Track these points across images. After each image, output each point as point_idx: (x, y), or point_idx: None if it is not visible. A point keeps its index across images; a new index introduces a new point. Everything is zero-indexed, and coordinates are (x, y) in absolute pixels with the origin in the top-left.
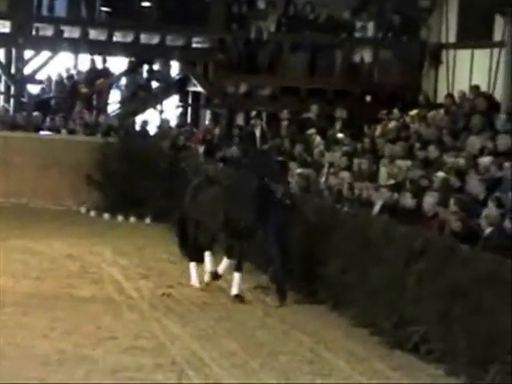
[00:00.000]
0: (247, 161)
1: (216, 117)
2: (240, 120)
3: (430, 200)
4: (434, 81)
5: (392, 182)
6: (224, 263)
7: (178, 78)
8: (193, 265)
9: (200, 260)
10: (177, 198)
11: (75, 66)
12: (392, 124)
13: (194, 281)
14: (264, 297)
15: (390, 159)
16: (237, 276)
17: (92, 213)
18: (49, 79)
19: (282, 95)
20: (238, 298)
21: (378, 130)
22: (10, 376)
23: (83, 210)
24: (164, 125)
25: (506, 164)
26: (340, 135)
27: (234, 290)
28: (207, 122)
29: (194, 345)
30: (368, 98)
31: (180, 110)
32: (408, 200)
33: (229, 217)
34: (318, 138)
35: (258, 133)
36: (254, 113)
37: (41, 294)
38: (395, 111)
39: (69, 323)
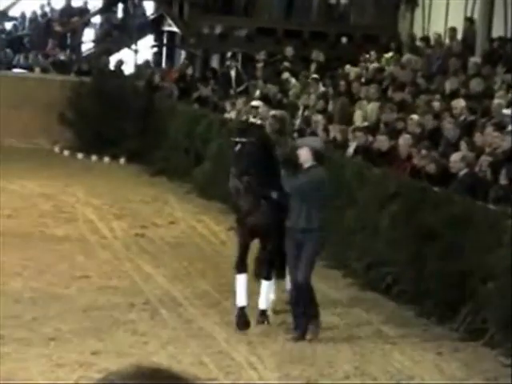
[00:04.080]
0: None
1: (191, 57)
2: (215, 61)
3: (404, 142)
4: (409, 23)
5: (366, 124)
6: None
7: (153, 17)
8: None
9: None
10: (151, 139)
11: (49, 4)
12: (368, 66)
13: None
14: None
15: (365, 102)
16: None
17: (65, 152)
18: (22, 16)
19: (258, 36)
20: (263, 316)
21: (354, 72)
22: None
23: (57, 149)
24: (142, 65)
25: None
26: (315, 76)
27: (262, 304)
28: (182, 63)
29: (166, 285)
30: (344, 40)
31: (155, 49)
32: (382, 142)
33: None
34: (293, 81)
35: (233, 74)
36: (229, 54)
37: (13, 232)
38: (372, 53)
39: (42, 262)
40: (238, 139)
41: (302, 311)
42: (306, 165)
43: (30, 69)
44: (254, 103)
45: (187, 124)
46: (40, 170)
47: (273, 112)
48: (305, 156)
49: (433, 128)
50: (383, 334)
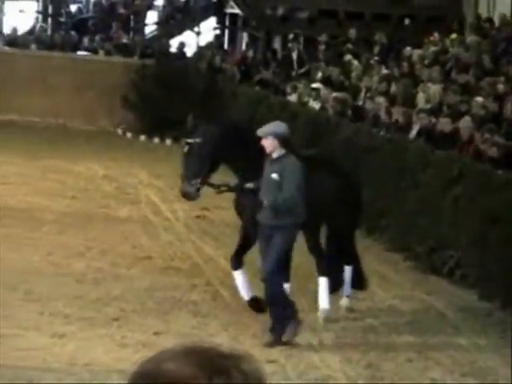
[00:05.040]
0: None
1: (253, 39)
2: (277, 43)
3: (465, 124)
4: (474, 4)
5: (429, 106)
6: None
7: None
8: None
9: None
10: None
11: None
12: (431, 48)
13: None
14: None
15: (428, 84)
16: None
17: (128, 134)
18: None
19: (320, 18)
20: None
21: (417, 54)
22: (48, 292)
23: (120, 131)
24: (204, 46)
25: None
26: (376, 58)
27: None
28: (244, 45)
29: (228, 266)
30: (406, 21)
31: (217, 32)
32: (445, 125)
33: None
34: (355, 63)
35: (294, 56)
36: (291, 36)
37: (77, 213)
38: (436, 35)
39: (105, 243)
40: (186, 140)
41: (278, 311)
42: (275, 155)
43: (95, 51)
44: (315, 85)
45: (248, 107)
46: (103, 152)
47: (334, 94)
48: (271, 146)
49: (496, 111)
50: (446, 318)
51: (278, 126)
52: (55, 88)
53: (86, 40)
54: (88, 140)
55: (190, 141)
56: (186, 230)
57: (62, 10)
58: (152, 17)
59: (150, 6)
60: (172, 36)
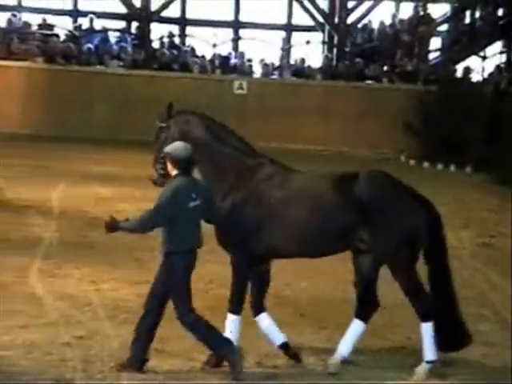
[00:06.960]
0: None
1: None
2: None
3: None
4: None
5: None
6: None
7: (502, 22)
8: None
9: None
10: (499, 146)
11: (397, 14)
12: None
13: None
14: None
15: None
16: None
17: (411, 161)
18: (365, 27)
19: None
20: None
21: None
22: (335, 319)
23: (402, 158)
24: (493, 71)
25: None
26: None
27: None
28: None
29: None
30: None
31: (504, 55)
32: None
33: None
34: None
35: None
36: None
37: None
38: None
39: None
40: (158, 123)
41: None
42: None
43: (378, 79)
44: None
45: None
46: None
47: None
48: (168, 166)
49: None
50: None
51: (174, 147)
52: (339, 116)
53: (370, 68)
54: (371, 167)
55: (158, 124)
56: (471, 257)
57: (347, 40)
58: (436, 43)
59: (434, 32)
60: (457, 61)
